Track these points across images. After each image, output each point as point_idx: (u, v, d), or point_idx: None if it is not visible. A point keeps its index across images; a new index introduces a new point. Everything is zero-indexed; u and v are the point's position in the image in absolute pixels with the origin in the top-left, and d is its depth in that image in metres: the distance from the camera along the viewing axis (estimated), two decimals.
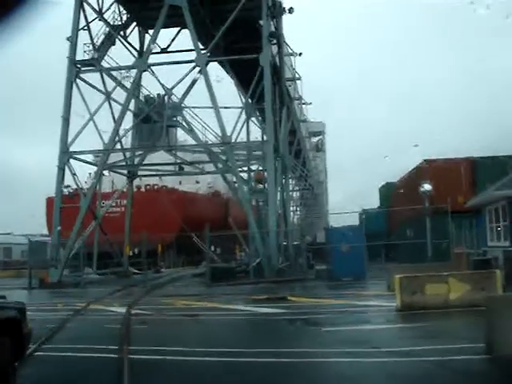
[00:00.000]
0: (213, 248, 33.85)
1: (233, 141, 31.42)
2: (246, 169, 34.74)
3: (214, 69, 33.15)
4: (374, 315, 15.37)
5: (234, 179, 32.25)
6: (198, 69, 29.81)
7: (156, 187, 47.77)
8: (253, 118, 40.43)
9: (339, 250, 27.21)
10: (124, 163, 34.94)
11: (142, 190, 46.89)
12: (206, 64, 30.54)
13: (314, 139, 72.13)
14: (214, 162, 32.14)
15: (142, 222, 35.80)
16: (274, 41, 31.92)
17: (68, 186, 35.40)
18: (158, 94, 34.86)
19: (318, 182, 68.58)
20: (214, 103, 29.54)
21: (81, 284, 28.67)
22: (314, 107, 58.09)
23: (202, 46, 31.68)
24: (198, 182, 55.07)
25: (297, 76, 49.62)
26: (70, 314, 16.96)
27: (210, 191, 55.49)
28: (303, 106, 56.67)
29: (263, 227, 30.80)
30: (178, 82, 30.55)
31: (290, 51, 45.13)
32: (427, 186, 26.74)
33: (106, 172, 52.51)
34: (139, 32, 33.91)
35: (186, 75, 30.05)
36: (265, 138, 32.31)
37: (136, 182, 45.25)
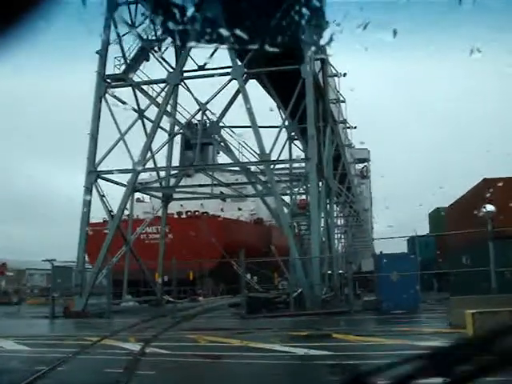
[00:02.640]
0: (250, 276, 30.76)
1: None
2: (287, 192, 31.33)
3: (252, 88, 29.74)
4: None
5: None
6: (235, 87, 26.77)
7: (197, 213, 44.99)
8: (295, 141, 37.18)
9: (390, 279, 23.54)
10: (158, 185, 31.75)
11: (183, 216, 44.33)
12: (244, 78, 27.40)
13: (359, 166, 68.50)
14: (253, 183, 28.82)
15: (182, 249, 33.17)
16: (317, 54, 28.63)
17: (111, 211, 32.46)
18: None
19: (363, 209, 64.60)
20: (251, 120, 26.36)
21: (106, 314, 25.43)
22: (359, 131, 54.75)
23: (240, 63, 28.52)
24: (240, 209, 52.43)
25: (341, 98, 46.97)
26: (72, 352, 13.71)
27: (253, 218, 52.37)
28: (348, 129, 53.56)
29: (306, 254, 27.37)
30: (214, 96, 27.59)
31: (334, 72, 42.24)
32: (490, 207, 22.81)
33: (147, 198, 51.13)
34: (175, 49, 30.87)
35: (222, 88, 27.00)
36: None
37: (177, 208, 42.92)
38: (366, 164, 71.96)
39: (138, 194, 52.06)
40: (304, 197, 36.32)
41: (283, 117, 32.04)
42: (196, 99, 28.43)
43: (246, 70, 27.13)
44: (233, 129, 31.15)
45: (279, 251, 35.07)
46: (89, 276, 28.05)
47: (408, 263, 24.11)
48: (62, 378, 10.80)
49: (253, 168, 28.81)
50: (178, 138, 35.19)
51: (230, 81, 26.93)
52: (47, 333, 19.45)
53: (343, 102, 49.84)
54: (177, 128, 31.21)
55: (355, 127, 57.20)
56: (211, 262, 37.15)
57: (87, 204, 27.52)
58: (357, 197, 59.01)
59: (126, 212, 32.87)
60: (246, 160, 29.39)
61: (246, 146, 30.19)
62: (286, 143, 33.63)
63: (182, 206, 44.64)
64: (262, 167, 27.59)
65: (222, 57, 29.11)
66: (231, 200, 51.27)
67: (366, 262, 51.24)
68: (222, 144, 28.29)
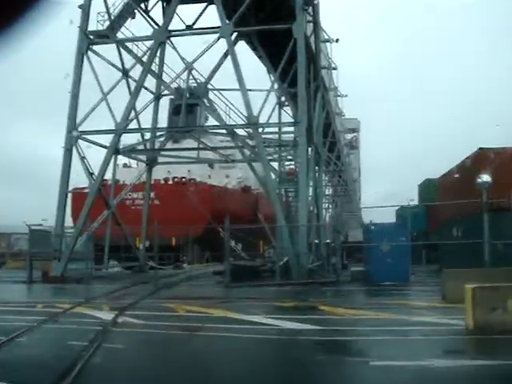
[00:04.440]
0: (234, 243, 29.54)
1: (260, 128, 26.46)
2: (275, 157, 29.92)
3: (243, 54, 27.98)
4: (438, 340, 10.39)
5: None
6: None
7: (184, 180, 43.66)
8: (284, 108, 35.66)
9: (379, 250, 22.39)
10: (142, 147, 30.17)
11: (170, 182, 43.02)
12: (233, 38, 25.84)
13: (349, 136, 67.10)
14: (240, 147, 27.36)
15: (168, 215, 31.85)
16: (310, 12, 27.03)
17: (105, 180, 30.90)
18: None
19: (351, 179, 63.40)
20: (239, 80, 24.83)
21: (84, 279, 24.08)
22: (349, 100, 53.37)
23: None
24: (227, 177, 51.16)
25: (333, 65, 45.43)
26: (39, 321, 12.44)
27: (240, 186, 51.09)
28: (338, 98, 52.03)
29: (293, 222, 26.13)
30: (201, 55, 25.97)
31: (326, 37, 40.63)
32: (485, 177, 21.48)
33: (134, 164, 49.55)
34: (163, 7, 29.00)
35: (210, 46, 25.40)
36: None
37: (164, 174, 41.68)
38: (355, 134, 70.77)
39: (125, 160, 51.16)
40: (293, 166, 35.06)
41: (272, 80, 30.50)
42: (182, 58, 26.80)
43: (234, 28, 25.44)
44: (221, 92, 29.50)
45: (266, 220, 33.97)
46: (69, 240, 26.64)
47: (399, 233, 22.98)
48: (17, 351, 9.51)
49: (241, 133, 27.29)
50: (165, 104, 33.61)
51: (218, 39, 25.33)
52: (19, 298, 18.11)
53: (335, 69, 48.34)
54: (164, 91, 29.60)
55: (346, 95, 55.86)
56: (197, 228, 35.90)
57: (67, 165, 25.98)
58: (346, 166, 57.73)
59: (110, 176, 31.42)
60: (234, 121, 27.77)
61: (234, 109, 28.60)
62: (274, 108, 32.10)
63: (169, 172, 43.41)
64: (250, 131, 26.12)
65: (211, 18, 27.59)
66: (219, 167, 50.13)
67: (353, 232, 50.27)
68: (208, 105, 26.71)
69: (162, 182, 42.44)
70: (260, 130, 26.02)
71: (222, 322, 12.48)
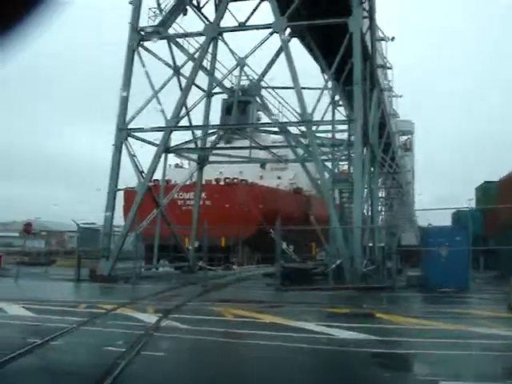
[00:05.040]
0: (285, 245, 28.52)
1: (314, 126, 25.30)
2: (329, 157, 28.70)
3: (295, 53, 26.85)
4: (510, 356, 9.16)
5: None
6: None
7: (235, 181, 42.85)
8: (338, 108, 34.41)
9: (438, 254, 20.99)
10: (193, 145, 29.33)
11: (222, 183, 42.27)
12: (287, 35, 24.80)
13: (403, 138, 65.23)
14: (292, 146, 26.28)
15: (219, 216, 31.10)
16: (365, 7, 25.73)
17: (156, 180, 30.37)
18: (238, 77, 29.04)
19: (405, 182, 61.51)
20: (293, 77, 23.78)
21: (132, 279, 23.37)
22: (403, 100, 51.85)
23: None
24: (279, 178, 50.04)
25: (388, 65, 44.07)
26: (79, 322, 11.72)
27: (292, 187, 49.98)
28: (393, 98, 50.55)
29: (346, 224, 24.94)
30: (253, 51, 25.06)
31: (382, 36, 39.29)
32: None
33: (186, 164, 49.07)
34: (215, 4, 28.16)
35: (263, 42, 24.44)
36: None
37: (215, 175, 41.02)
38: (409, 136, 68.85)
39: (177, 160, 50.82)
40: (345, 167, 33.82)
41: (326, 78, 29.30)
42: (234, 54, 25.93)
43: (287, 23, 24.37)
44: (273, 90, 28.46)
45: (318, 222, 32.95)
46: (118, 239, 26.05)
47: (458, 237, 21.46)
48: (50, 355, 8.77)
49: (294, 131, 26.21)
50: (217, 105, 32.88)
51: (271, 34, 24.32)
52: (63, 297, 17.46)
53: (390, 68, 46.96)
54: (215, 88, 28.75)
55: (401, 96, 54.30)
56: (247, 229, 35.00)
57: (116, 163, 25.34)
58: (400, 168, 55.95)
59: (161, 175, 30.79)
60: (287, 118, 26.66)
61: (287, 107, 27.49)
62: (328, 108, 30.89)
63: (220, 172, 42.67)
64: (303, 129, 25.04)
65: (263, 16, 26.68)
66: (271, 168, 49.32)
67: (406, 236, 48.57)
68: (261, 102, 25.72)
69: (214, 182, 41.68)
70: (314, 128, 24.87)
71: (271, 329, 11.51)
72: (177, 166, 50.16)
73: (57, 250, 45.01)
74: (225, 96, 27.73)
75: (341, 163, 32.97)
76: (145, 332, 10.69)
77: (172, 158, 46.77)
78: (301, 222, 33.93)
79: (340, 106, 35.13)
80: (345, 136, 29.91)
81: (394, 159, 51.03)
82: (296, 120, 25.22)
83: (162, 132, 25.96)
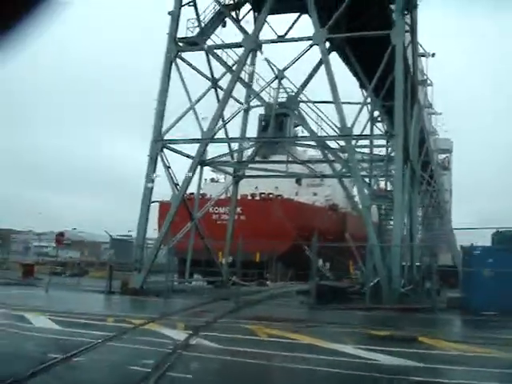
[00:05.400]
0: (321, 262, 27.61)
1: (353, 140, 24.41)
2: (367, 173, 27.78)
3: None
4: None
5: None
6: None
7: (271, 196, 42.22)
8: (376, 124, 33.51)
9: (481, 275, 19.87)
10: (229, 159, 28.68)
11: (257, 198, 41.67)
12: (326, 48, 24.10)
13: (441, 157, 63.74)
14: (330, 161, 25.46)
15: (253, 231, 30.44)
16: (408, 18, 24.86)
17: (191, 194, 29.87)
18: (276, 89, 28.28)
19: (443, 201, 59.94)
20: (333, 90, 23.01)
21: (163, 293, 22.68)
22: (442, 117, 50.76)
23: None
24: (315, 194, 49.26)
25: (428, 81, 43.03)
26: (105, 337, 11.05)
27: (328, 204, 49.08)
28: (432, 116, 49.35)
29: (384, 242, 23.96)
30: (293, 63, 24.48)
31: (422, 51, 38.33)
32: None
33: (222, 179, 48.60)
34: (254, 17, 27.60)
35: (303, 54, 23.82)
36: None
37: (251, 190, 40.48)
38: (447, 155, 67.31)
39: (213, 175, 50.40)
40: (382, 184, 32.84)
41: (365, 95, 28.49)
42: (272, 66, 25.35)
43: (327, 35, 23.65)
44: (312, 104, 27.72)
45: (353, 240, 32.05)
46: (150, 252, 25.45)
47: (504, 258, 20.29)
48: (68, 375, 8.10)
49: (332, 146, 25.39)
50: (254, 122, 32.33)
51: (311, 46, 23.67)
52: (92, 310, 16.83)
53: (430, 85, 45.90)
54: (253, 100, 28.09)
55: (440, 113, 53.10)
56: (282, 245, 34.25)
57: (150, 175, 24.81)
58: (439, 187, 54.50)
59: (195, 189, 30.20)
60: (325, 133, 25.81)
61: (325, 121, 26.65)
62: (366, 124, 30.02)
63: (256, 188, 42.14)
64: (342, 144, 24.22)
65: (302, 29, 26.08)
66: (307, 185, 48.73)
67: (442, 256, 47.21)
68: (299, 115, 24.98)
69: (249, 197, 41.14)
70: (353, 143, 24.00)
71: (306, 351, 10.68)
72: (212, 180, 49.84)
73: (91, 261, 44.77)
74: (262, 111, 27.14)
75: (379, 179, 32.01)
76: (173, 350, 9.97)
77: (208, 173, 46.66)
78: (336, 239, 33.06)
79: (378, 121, 34.26)
80: (383, 153, 29.02)
81: (432, 177, 49.75)
82: (335, 134, 24.40)
83: (198, 144, 25.39)
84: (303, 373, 8.91)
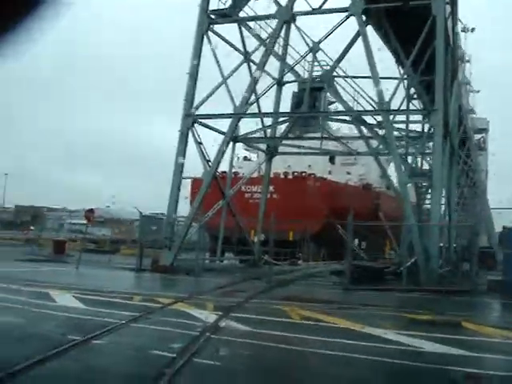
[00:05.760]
0: (357, 242, 26.67)
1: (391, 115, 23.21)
2: (403, 151, 26.56)
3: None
4: None
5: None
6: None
7: (304, 174, 41.19)
8: (412, 101, 32.12)
9: None
10: (262, 134, 27.62)
11: (290, 176, 40.71)
12: (363, 21, 22.85)
13: (477, 136, 61.76)
14: (366, 137, 24.33)
15: (286, 210, 29.54)
16: None
17: (224, 172, 29.12)
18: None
19: (479, 181, 58.13)
20: (370, 61, 21.81)
21: (194, 271, 21.98)
22: (480, 95, 48.98)
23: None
24: (349, 173, 48.06)
25: (466, 58, 41.42)
26: (130, 317, 10.37)
27: (362, 183, 47.90)
28: (470, 94, 47.68)
29: (422, 222, 22.88)
30: (328, 35, 23.27)
31: (461, 26, 36.73)
32: None
33: (254, 157, 47.69)
34: None
35: (338, 26, 22.66)
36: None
37: (284, 168, 39.37)
38: (483, 135, 65.27)
39: (245, 153, 49.54)
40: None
41: (401, 72, 27.21)
42: (307, 38, 24.20)
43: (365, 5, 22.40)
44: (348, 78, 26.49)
45: (387, 220, 30.95)
46: (181, 229, 24.71)
47: None
48: (86, 358, 7.36)
49: (369, 122, 24.21)
50: (288, 98, 31.21)
51: (347, 17, 22.50)
52: (120, 288, 16.13)
53: (468, 61, 44.27)
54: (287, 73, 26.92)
55: (478, 91, 51.33)
56: (315, 224, 33.30)
57: (182, 150, 24.01)
58: (475, 166, 52.79)
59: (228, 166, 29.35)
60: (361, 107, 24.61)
61: (361, 97, 25.37)
62: (404, 99, 28.70)
63: (288, 166, 41.14)
64: (378, 120, 23.05)
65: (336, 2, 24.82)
66: (340, 164, 47.55)
67: (480, 238, 45.83)
68: (334, 90, 23.80)
69: (282, 176, 40.18)
70: (390, 118, 22.81)
71: (343, 336, 9.81)
72: (245, 158, 49.02)
73: (124, 239, 44.38)
74: (295, 88, 26.07)
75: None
76: (201, 333, 9.22)
77: (240, 151, 45.80)
78: (369, 219, 32.04)
79: (414, 99, 32.90)
80: (419, 129, 27.78)
81: (468, 156, 48.16)
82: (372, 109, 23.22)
83: (230, 120, 24.48)
84: (341, 361, 8.08)
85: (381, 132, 23.07)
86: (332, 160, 46.96)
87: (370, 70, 22.12)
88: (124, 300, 13.40)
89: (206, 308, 12.63)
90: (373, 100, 23.07)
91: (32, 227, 46.01)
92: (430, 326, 11.63)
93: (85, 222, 28.24)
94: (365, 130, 24.74)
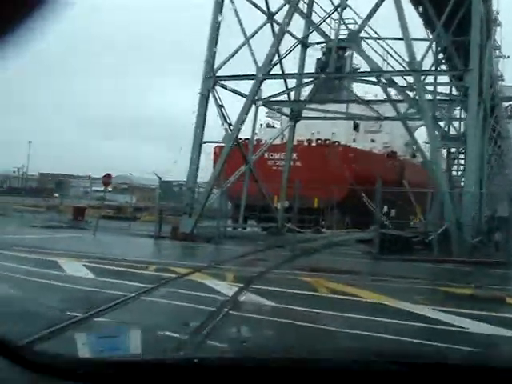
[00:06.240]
0: (386, 209, 25.49)
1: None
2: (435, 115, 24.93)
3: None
4: None
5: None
6: None
7: (328, 142, 39.87)
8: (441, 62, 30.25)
9: None
10: (285, 97, 26.11)
11: (313, 144, 39.38)
12: None
13: (504, 104, 59.40)
14: (395, 100, 22.77)
15: (309, 177, 28.27)
16: None
17: (246, 140, 27.84)
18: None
19: (507, 149, 56.01)
20: (400, 17, 20.06)
21: (215, 239, 20.82)
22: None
23: None
24: (373, 141, 46.59)
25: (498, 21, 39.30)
26: (141, 289, 9.29)
27: (386, 151, 46.39)
28: (500, 59, 45.48)
29: (453, 189, 21.47)
30: None
31: None
32: None
33: (277, 124, 46.27)
34: None
35: None
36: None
37: (307, 135, 37.93)
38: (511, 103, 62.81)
39: (268, 120, 48.13)
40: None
41: (430, 37, 25.42)
42: None
43: None
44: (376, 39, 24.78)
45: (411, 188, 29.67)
46: (202, 195, 23.50)
47: None
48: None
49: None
50: (312, 63, 29.61)
51: None
52: (135, 256, 15.03)
53: (499, 25, 42.08)
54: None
55: (508, 57, 49.12)
56: (339, 191, 32.10)
57: (202, 113, 22.59)
58: (505, 133, 50.63)
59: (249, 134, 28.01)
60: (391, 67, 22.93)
61: (391, 56, 23.60)
62: (432, 65, 26.89)
63: (312, 134, 39.75)
64: (407, 81, 21.46)
65: None
66: (364, 131, 46.14)
67: (501, 207, 44.13)
68: (361, 50, 22.13)
69: (305, 143, 38.87)
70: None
71: (377, 313, 8.62)
72: (268, 126, 47.65)
73: (146, 206, 43.42)
74: (320, 54, 24.64)
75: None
76: (218, 309, 8.07)
77: (263, 118, 44.40)
78: (394, 187, 30.76)
79: (443, 63, 31.08)
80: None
81: (497, 123, 46.08)
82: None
83: (252, 83, 23.02)
84: (374, 344, 6.88)
85: (411, 95, 21.48)
86: (356, 128, 45.71)
87: (401, 30, 20.46)
88: (138, 270, 12.25)
89: (225, 279, 11.50)
90: (404, 60, 21.40)
91: (56, 194, 45.23)
92: (469, 301, 10.40)
93: (109, 189, 27.20)
94: (393, 93, 23.23)
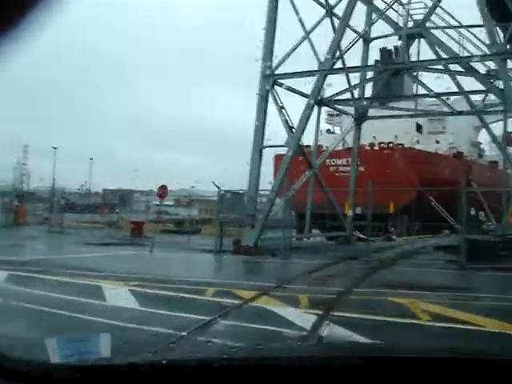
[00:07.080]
0: (473, 212, 23.08)
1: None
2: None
3: None
4: None
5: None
6: None
7: (391, 145, 37.38)
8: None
9: None
10: (348, 96, 23.56)
11: (376, 148, 36.83)
12: None
13: None
14: (465, 92, 19.93)
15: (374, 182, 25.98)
16: None
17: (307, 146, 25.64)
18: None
19: None
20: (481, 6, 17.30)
21: (281, 252, 18.34)
22: None
23: None
24: (437, 142, 43.78)
25: None
26: (194, 323, 7.01)
27: (451, 152, 43.36)
28: None
29: None
30: None
31: None
32: None
33: (338, 130, 43.83)
34: None
35: None
36: None
37: (369, 139, 35.86)
38: None
39: (327, 126, 45.84)
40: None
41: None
42: None
43: None
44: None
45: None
46: (264, 205, 21.14)
47: None
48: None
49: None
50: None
51: None
52: (191, 275, 12.69)
53: None
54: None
55: None
56: (406, 194, 29.69)
57: (261, 116, 20.28)
58: None
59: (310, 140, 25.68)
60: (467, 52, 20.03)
61: (468, 40, 20.69)
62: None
63: (374, 137, 37.32)
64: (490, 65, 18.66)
65: None
66: (427, 132, 43.64)
67: None
68: (434, 36, 19.40)
69: (367, 147, 36.44)
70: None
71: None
72: (328, 131, 45.39)
73: (208, 218, 41.53)
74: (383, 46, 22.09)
75: None
76: (299, 345, 5.62)
77: (322, 124, 42.13)
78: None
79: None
80: None
81: None
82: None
83: (313, 82, 20.55)
84: None
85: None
86: (419, 129, 43.27)
87: (480, 13, 17.71)
88: (193, 294, 9.87)
89: (298, 304, 9.07)
90: (483, 44, 18.59)
91: (117, 210, 43.91)
92: None
93: (171, 203, 25.31)
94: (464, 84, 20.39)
